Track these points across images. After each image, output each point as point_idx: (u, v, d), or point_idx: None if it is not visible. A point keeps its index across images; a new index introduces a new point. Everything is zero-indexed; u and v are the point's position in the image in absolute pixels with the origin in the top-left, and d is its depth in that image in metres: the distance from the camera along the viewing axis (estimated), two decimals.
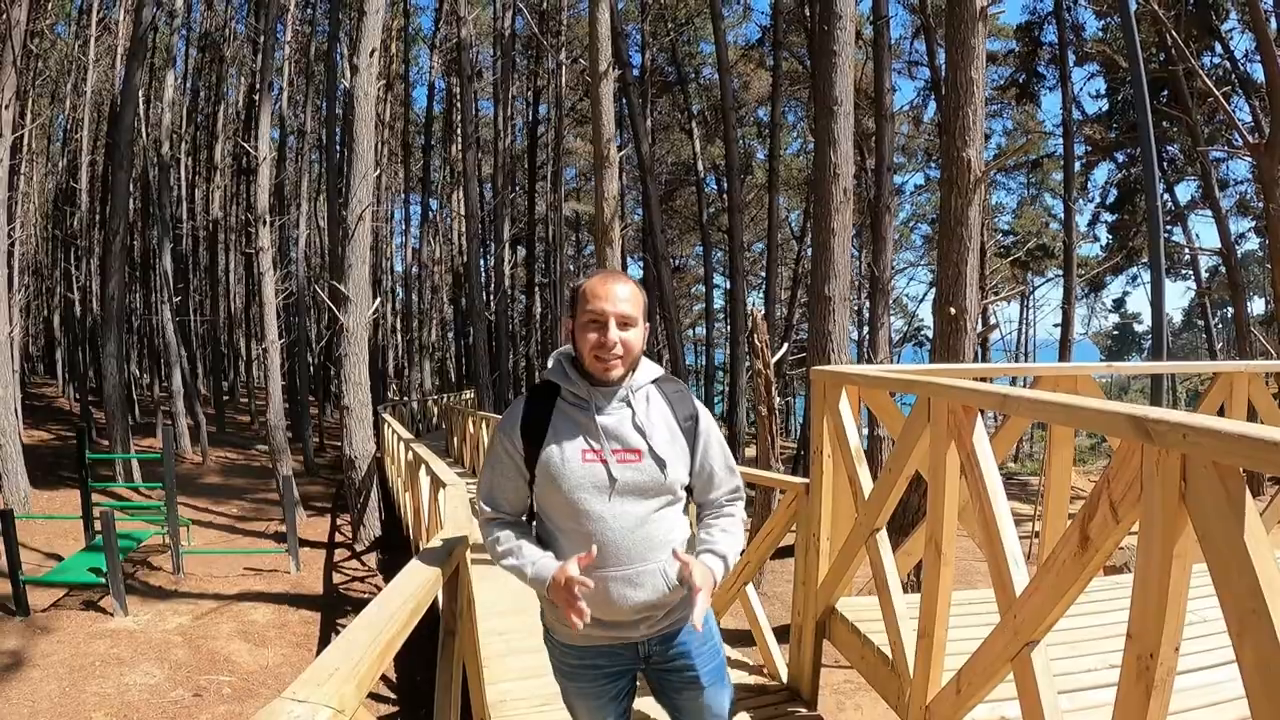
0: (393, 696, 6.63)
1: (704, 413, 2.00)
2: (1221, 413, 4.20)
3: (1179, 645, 1.59)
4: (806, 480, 3.69)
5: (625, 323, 1.85)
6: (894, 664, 2.89)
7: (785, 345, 16.80)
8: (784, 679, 3.82)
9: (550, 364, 2.00)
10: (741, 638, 4.80)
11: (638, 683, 2.16)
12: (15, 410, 12.99)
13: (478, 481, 2.08)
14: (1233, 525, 1.39)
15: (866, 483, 3.19)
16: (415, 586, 1.98)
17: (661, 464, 1.87)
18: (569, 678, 2.07)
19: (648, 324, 1.96)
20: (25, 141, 20.70)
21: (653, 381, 1.98)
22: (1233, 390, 4.24)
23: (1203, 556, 1.49)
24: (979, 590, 3.92)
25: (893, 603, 2.92)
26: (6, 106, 11.89)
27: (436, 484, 5.86)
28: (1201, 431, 1.42)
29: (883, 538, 3.08)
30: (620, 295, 1.85)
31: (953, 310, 6.63)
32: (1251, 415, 4.27)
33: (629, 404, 1.91)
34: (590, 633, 1.91)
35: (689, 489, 2.02)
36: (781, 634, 4.05)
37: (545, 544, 1.96)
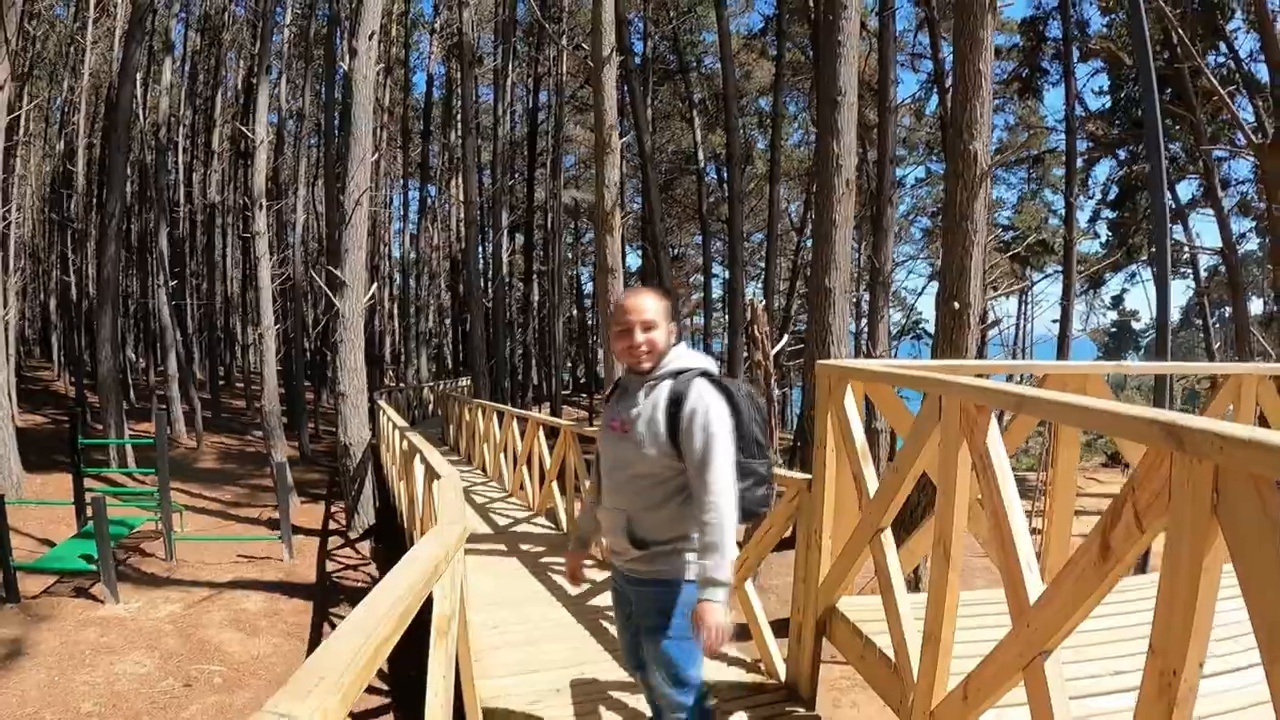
0: (385, 688, 6.56)
1: (693, 400, 2.33)
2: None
3: (1204, 661, 1.52)
4: (808, 476, 3.62)
5: (647, 326, 2.40)
6: (897, 667, 2.83)
7: (784, 337, 16.71)
8: (782, 677, 3.76)
9: None
10: (738, 632, 4.74)
11: None
12: (10, 394, 12.88)
13: None
14: (1269, 540, 1.32)
15: (872, 482, 3.12)
16: (405, 588, 1.91)
17: (639, 441, 2.39)
18: (611, 589, 2.77)
19: (673, 324, 2.49)
20: (22, 123, 20.53)
21: (678, 374, 2.42)
22: (1241, 393, 4.17)
23: (1231, 570, 1.42)
24: (981, 591, 3.86)
25: (897, 604, 2.85)
26: (2, 88, 11.73)
27: (431, 475, 5.77)
28: (1238, 443, 1.35)
29: (888, 537, 3.01)
30: (641, 306, 2.41)
31: (956, 305, 6.56)
32: (1260, 420, 4.22)
33: (642, 392, 2.45)
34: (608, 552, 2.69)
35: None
36: (779, 627, 3.99)
37: None
